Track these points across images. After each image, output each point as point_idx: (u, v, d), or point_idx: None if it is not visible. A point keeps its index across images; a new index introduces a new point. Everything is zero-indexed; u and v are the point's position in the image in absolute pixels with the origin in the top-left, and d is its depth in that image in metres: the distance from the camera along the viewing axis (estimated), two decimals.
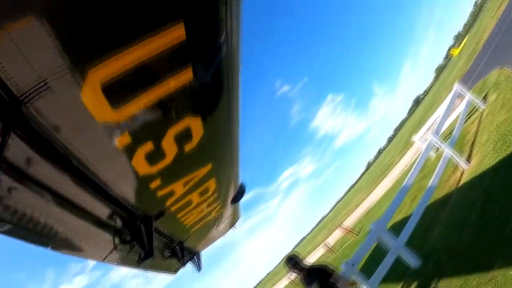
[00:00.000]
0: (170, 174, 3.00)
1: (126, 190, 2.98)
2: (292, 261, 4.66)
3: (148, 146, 2.53)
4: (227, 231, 6.57)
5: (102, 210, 3.14)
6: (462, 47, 44.41)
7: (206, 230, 5.34)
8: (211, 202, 4.16)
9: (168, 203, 3.38)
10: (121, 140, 2.36)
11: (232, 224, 6.34)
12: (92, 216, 3.08)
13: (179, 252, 4.85)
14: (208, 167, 3.33)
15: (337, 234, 18.25)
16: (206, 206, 4.17)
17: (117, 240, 3.43)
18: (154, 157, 2.65)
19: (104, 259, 3.49)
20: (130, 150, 2.48)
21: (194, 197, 3.69)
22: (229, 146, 3.52)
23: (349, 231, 16.97)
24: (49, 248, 2.99)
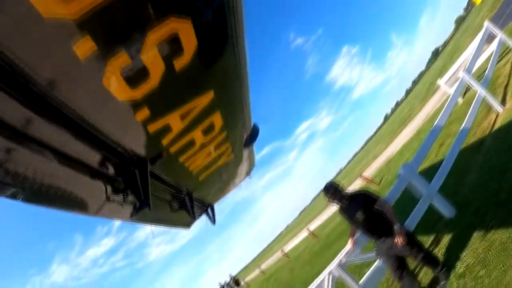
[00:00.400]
0: (159, 102, 2.39)
1: (109, 124, 2.38)
2: (332, 189, 4.18)
3: (123, 59, 1.88)
4: (242, 180, 6.06)
5: (88, 156, 2.59)
6: None
7: (218, 178, 4.80)
8: (219, 144, 3.57)
9: (164, 142, 2.80)
10: (84, 48, 1.70)
11: (247, 172, 5.82)
12: (77, 164, 2.53)
13: (189, 203, 4.35)
14: (209, 96, 2.68)
15: (357, 184, 17.72)
16: (214, 148, 3.58)
17: (109, 190, 2.89)
18: (134, 75, 2.01)
19: (97, 213, 2.98)
20: (99, 66, 1.84)
21: (197, 136, 3.09)
22: (236, 71, 2.82)
23: (370, 180, 16.41)
24: (40, 205, 2.51)
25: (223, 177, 4.99)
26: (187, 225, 5.62)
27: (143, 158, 2.85)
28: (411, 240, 3.92)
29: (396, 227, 3.82)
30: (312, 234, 18.60)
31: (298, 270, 13.22)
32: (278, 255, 27.27)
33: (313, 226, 19.95)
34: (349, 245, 4.68)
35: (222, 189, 5.84)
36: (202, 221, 5.90)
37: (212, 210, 6.13)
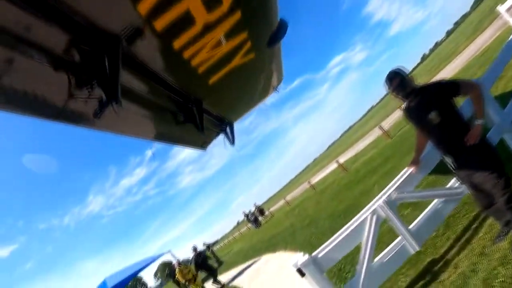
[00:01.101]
0: None
1: None
2: (398, 79, 2.90)
3: None
4: (267, 95, 5.08)
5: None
6: None
7: (235, 86, 3.83)
8: (232, 31, 2.58)
9: (142, 10, 1.84)
10: None
11: (273, 85, 4.81)
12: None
13: (197, 114, 3.48)
14: None
15: (392, 119, 16.22)
16: (225, 37, 2.59)
17: (72, 84, 2.02)
18: None
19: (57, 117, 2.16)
20: None
21: (196, 9, 2.09)
22: None
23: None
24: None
25: (241, 86, 4.01)
26: (201, 145, 4.83)
27: (114, 35, 1.93)
28: (494, 160, 2.72)
29: (477, 121, 2.73)
30: (342, 167, 17.78)
31: (324, 203, 12.69)
32: (304, 186, 27.15)
33: (342, 159, 18.97)
34: (411, 167, 3.36)
35: (242, 104, 4.93)
36: (229, 149, 5.05)
37: (231, 129, 5.27)
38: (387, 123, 16.55)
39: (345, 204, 9.26)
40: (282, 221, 18.33)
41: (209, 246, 30.46)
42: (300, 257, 3.07)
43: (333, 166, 20.67)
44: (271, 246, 11.90)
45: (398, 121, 15.93)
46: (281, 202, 32.28)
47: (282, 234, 12.98)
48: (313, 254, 3.14)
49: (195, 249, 14.01)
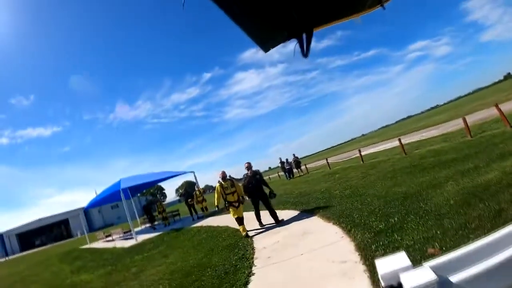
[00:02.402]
0: None
1: None
2: None
3: None
4: (365, 8, 3.59)
5: None
6: None
7: None
8: None
9: None
10: None
11: None
12: None
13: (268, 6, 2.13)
14: None
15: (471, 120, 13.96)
16: None
17: None
18: None
19: None
20: None
21: None
22: None
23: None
24: None
25: None
26: (265, 43, 3.56)
27: None
28: None
29: None
30: (402, 147, 15.91)
31: (373, 178, 11.30)
32: (349, 155, 25.66)
33: (402, 141, 16.98)
34: None
35: (328, 9, 3.49)
36: (301, 60, 3.77)
37: (309, 37, 3.86)
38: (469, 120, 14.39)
39: (403, 188, 7.89)
40: (318, 181, 17.31)
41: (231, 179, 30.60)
42: (400, 263, 1.56)
43: (387, 145, 18.82)
44: (299, 204, 11.06)
45: (481, 123, 13.77)
46: (321, 162, 31.13)
47: (314, 194, 11.92)
48: (438, 269, 1.38)
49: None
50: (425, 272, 1.29)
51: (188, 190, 20.52)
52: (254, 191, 9.06)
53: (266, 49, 3.92)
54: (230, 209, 8.99)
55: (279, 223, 8.76)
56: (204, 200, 19.44)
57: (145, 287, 6.86)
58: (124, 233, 20.70)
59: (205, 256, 7.74)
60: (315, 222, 7.66)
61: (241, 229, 8.83)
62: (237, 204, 9.05)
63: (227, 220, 13.76)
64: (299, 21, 3.66)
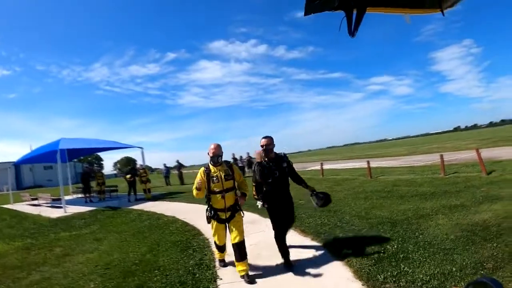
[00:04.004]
0: None
1: None
2: None
3: None
4: (425, 6, 3.16)
5: None
6: None
7: None
8: None
9: None
10: None
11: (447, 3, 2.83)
12: None
13: None
14: None
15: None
16: None
17: None
18: None
19: None
20: None
21: None
22: None
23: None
24: None
25: None
26: (310, 3, 2.87)
27: None
28: None
29: None
30: (368, 170, 15.76)
31: (338, 194, 10.81)
32: (304, 166, 25.42)
33: (354, 164, 16.98)
34: None
35: None
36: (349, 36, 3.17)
37: (359, 16, 3.22)
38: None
39: (386, 213, 7.59)
40: None
41: (180, 165, 29.53)
42: None
43: (345, 164, 18.77)
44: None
45: (449, 164, 14.02)
46: None
47: None
48: None
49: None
50: None
51: (135, 167, 18.74)
52: (278, 192, 4.94)
53: (308, 10, 3.11)
54: (213, 222, 4.86)
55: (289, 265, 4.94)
56: (148, 180, 18.09)
57: (70, 280, 5.47)
58: (53, 199, 18.79)
59: (149, 251, 6.64)
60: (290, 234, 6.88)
61: (217, 255, 5.45)
62: (228, 213, 4.78)
63: (174, 208, 12.92)
64: None
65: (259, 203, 5.12)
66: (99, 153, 59.94)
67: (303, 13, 3.32)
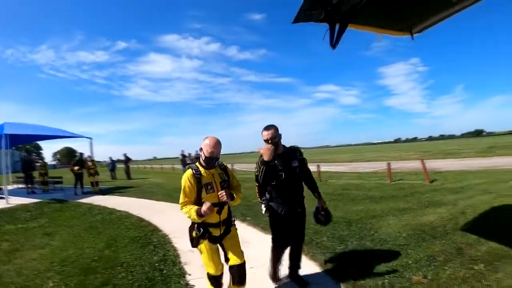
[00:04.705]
0: None
1: None
2: None
3: None
4: (396, 28, 3.80)
5: None
6: None
7: None
8: None
9: None
10: None
11: (414, 29, 3.57)
12: None
13: None
14: None
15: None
16: None
17: None
18: None
19: None
20: None
21: None
22: None
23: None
24: None
25: None
26: (300, 12, 3.23)
27: None
28: None
29: None
30: (318, 173, 16.33)
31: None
32: (246, 167, 25.68)
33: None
34: None
35: (373, 11, 3.36)
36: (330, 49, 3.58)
37: (341, 30, 3.62)
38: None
39: (340, 213, 8.09)
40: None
41: (128, 159, 28.83)
42: None
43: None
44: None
45: (394, 172, 14.90)
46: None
47: None
48: None
49: None
50: None
51: (82, 158, 17.79)
52: (285, 198, 3.92)
53: (297, 19, 3.45)
54: (202, 244, 3.43)
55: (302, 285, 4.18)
56: (97, 173, 17.41)
57: (25, 278, 5.04)
58: None
59: (107, 246, 6.36)
60: (248, 229, 7.19)
61: None
62: (223, 228, 3.53)
63: (125, 202, 12.60)
64: (339, 10, 3.31)
65: (264, 208, 4.02)
66: (38, 142, 55.83)
67: (291, 21, 3.58)
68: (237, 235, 3.65)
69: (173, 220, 8.52)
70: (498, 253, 4.73)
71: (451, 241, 5.41)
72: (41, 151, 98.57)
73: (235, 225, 3.65)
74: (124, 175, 27.34)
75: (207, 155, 3.30)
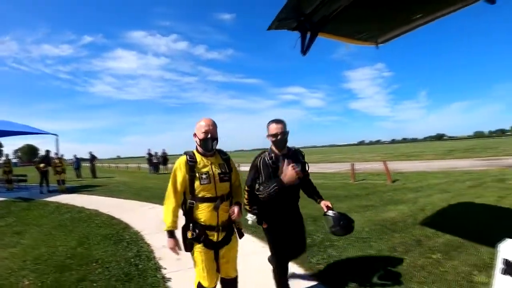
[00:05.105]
0: None
1: None
2: None
3: None
4: (363, 38, 4.47)
5: None
6: None
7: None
8: None
9: None
10: None
11: (380, 39, 4.26)
12: None
13: None
14: None
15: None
16: None
17: None
18: None
19: None
20: None
21: None
22: None
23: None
24: None
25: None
26: (275, 20, 3.56)
27: None
28: None
29: None
30: None
31: None
32: None
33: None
34: None
35: (342, 21, 3.77)
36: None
37: (312, 38, 4.02)
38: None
39: (306, 211, 8.08)
40: None
41: (93, 157, 28.45)
42: None
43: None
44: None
45: (357, 172, 15.55)
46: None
47: None
48: None
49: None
50: None
51: (48, 155, 17.31)
52: (284, 205, 3.40)
53: (272, 26, 3.81)
54: (197, 249, 2.81)
55: None
56: (63, 171, 17.07)
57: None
58: None
59: (79, 244, 6.31)
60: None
61: None
62: (222, 234, 2.91)
63: (94, 201, 12.49)
64: (311, 20, 3.72)
65: (251, 218, 3.61)
66: None
67: (267, 27, 3.90)
68: (237, 246, 3.10)
69: (144, 218, 8.62)
70: (454, 244, 5.22)
71: (411, 234, 5.88)
72: (1, 148, 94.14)
73: (239, 233, 3.08)
74: (89, 174, 27.03)
75: (201, 137, 2.80)
